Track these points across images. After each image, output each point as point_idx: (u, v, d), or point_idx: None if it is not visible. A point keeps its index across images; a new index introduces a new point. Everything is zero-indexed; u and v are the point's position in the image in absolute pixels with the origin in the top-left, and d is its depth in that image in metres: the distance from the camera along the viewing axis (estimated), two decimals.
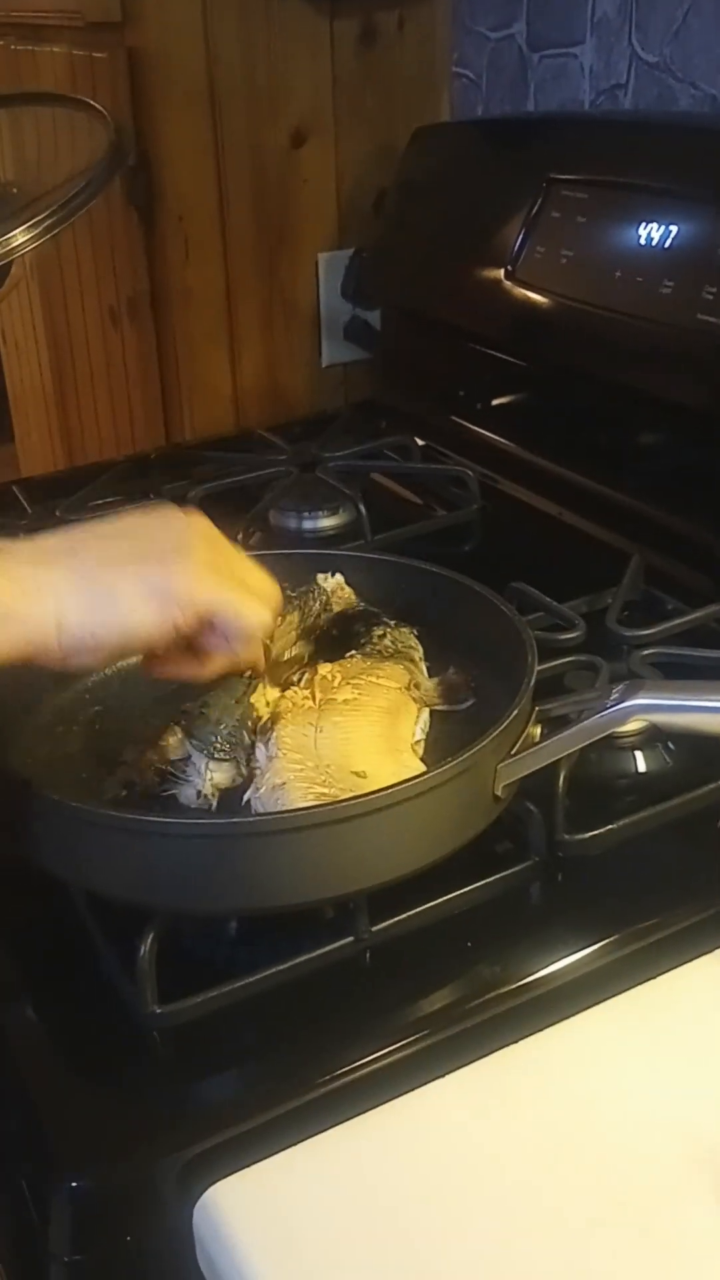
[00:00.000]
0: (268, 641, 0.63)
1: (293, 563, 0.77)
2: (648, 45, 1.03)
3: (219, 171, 1.22)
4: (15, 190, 1.27)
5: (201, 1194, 0.49)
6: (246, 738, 0.62)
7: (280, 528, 1.01)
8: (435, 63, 1.27)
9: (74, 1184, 0.49)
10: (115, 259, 1.28)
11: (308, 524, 1.01)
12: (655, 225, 0.89)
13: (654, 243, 0.89)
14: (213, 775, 0.61)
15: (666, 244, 0.88)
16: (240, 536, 0.97)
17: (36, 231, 0.93)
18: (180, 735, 0.62)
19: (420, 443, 1.13)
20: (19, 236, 0.93)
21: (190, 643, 0.58)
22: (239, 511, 0.99)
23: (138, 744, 0.64)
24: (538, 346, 1.03)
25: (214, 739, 0.61)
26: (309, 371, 1.34)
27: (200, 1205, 0.49)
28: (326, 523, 1.00)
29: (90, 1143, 0.51)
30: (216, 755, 0.61)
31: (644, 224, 0.90)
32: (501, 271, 1.04)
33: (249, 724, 0.63)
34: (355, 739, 0.60)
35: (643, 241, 0.90)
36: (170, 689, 0.65)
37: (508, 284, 1.03)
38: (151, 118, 1.19)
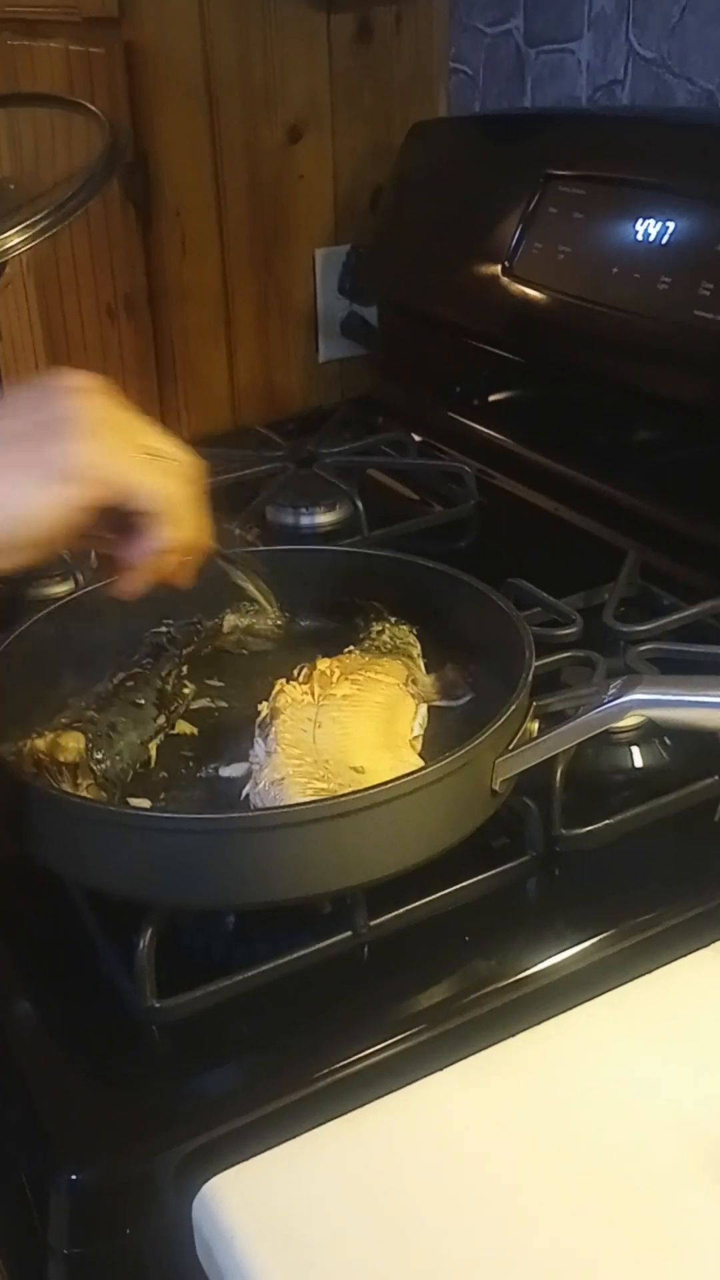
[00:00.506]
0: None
1: (290, 559, 0.78)
2: (645, 41, 1.03)
3: (216, 167, 1.22)
4: (13, 186, 1.27)
5: (200, 1187, 0.49)
6: (127, 775, 0.62)
7: (277, 524, 1.01)
8: (432, 58, 1.27)
9: (73, 1177, 0.49)
10: (113, 255, 1.28)
11: (305, 520, 1.01)
12: (652, 221, 0.89)
13: (651, 239, 0.89)
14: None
15: (664, 240, 0.88)
16: (238, 532, 0.97)
17: (31, 233, 0.93)
18: (81, 743, 0.61)
19: (417, 439, 1.13)
20: (13, 238, 0.93)
21: (112, 524, 0.52)
22: (236, 508, 0.99)
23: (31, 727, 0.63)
24: (535, 343, 1.03)
25: (103, 765, 0.61)
26: (305, 368, 1.34)
27: (199, 1198, 0.49)
28: (323, 519, 1.00)
29: (89, 1137, 0.51)
30: (96, 780, 0.60)
31: (641, 220, 0.90)
32: (499, 268, 1.04)
33: (137, 767, 0.63)
34: (353, 734, 0.60)
35: (640, 237, 0.90)
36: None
37: (505, 280, 1.03)
38: (148, 113, 1.19)
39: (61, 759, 0.60)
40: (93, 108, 1.03)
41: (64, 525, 0.49)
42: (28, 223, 0.92)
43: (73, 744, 0.61)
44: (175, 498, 0.52)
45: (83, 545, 0.57)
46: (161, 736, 0.66)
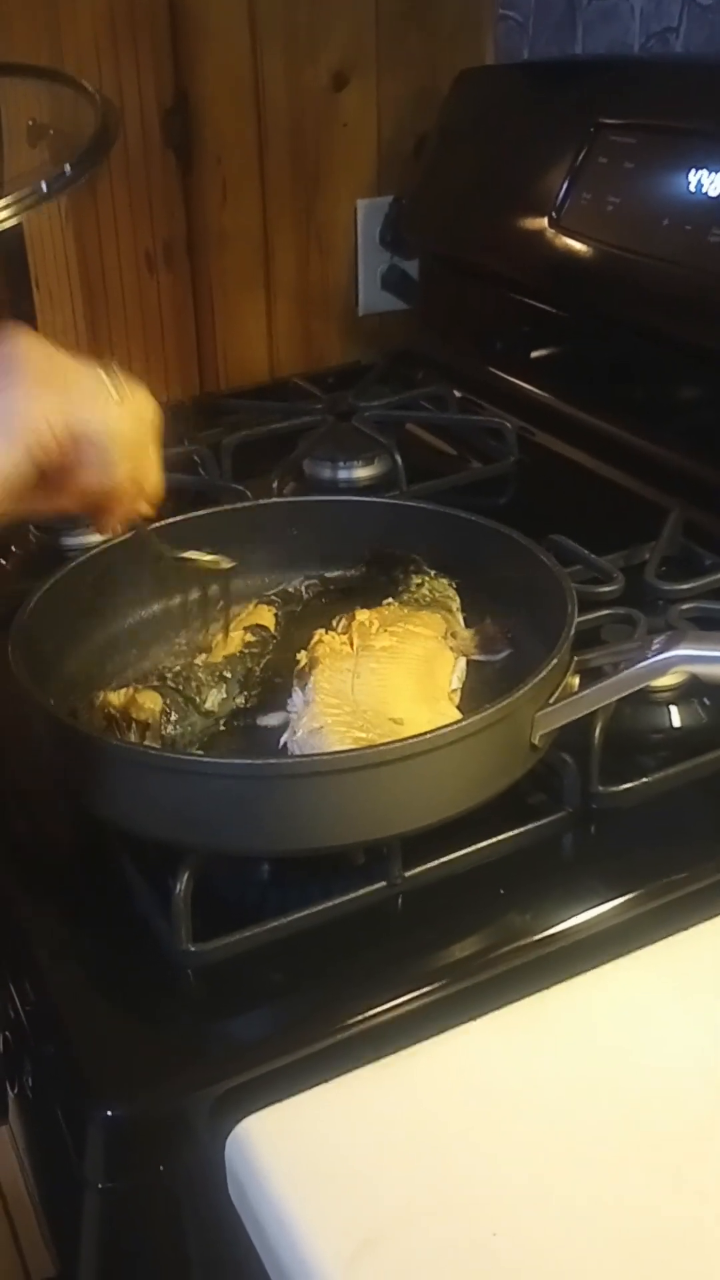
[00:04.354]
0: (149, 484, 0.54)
1: (330, 510, 0.77)
2: None
3: (259, 112, 1.20)
4: (51, 132, 1.25)
5: (233, 1127, 0.49)
6: (194, 745, 0.61)
7: (314, 477, 1.00)
8: (480, 4, 1.25)
9: (109, 1113, 0.50)
10: (152, 202, 1.27)
11: (342, 474, 1.00)
12: (705, 172, 0.87)
13: (704, 190, 0.87)
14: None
15: (717, 191, 0.86)
16: (275, 485, 0.96)
17: (10, 211, 0.90)
18: (159, 704, 0.61)
19: (457, 394, 1.12)
20: None
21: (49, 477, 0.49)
22: (273, 460, 0.99)
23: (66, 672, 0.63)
24: (580, 296, 1.01)
25: (174, 731, 0.61)
26: (345, 320, 1.32)
27: (232, 1138, 0.49)
28: (361, 473, 1.00)
29: (125, 1074, 0.52)
30: (163, 743, 0.60)
31: (694, 170, 0.88)
32: (545, 219, 1.02)
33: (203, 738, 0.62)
34: (392, 685, 0.60)
35: (692, 188, 0.88)
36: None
37: (551, 232, 1.01)
38: (191, 57, 1.17)
39: (135, 716, 0.61)
40: (86, 84, 0.98)
41: (13, 480, 0.47)
42: (10, 198, 0.89)
43: (150, 704, 0.61)
44: (127, 437, 0.50)
45: (24, 513, 0.52)
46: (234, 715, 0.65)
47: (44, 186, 0.89)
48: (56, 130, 1.25)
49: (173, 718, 0.61)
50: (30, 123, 1.32)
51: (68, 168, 0.91)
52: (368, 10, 1.20)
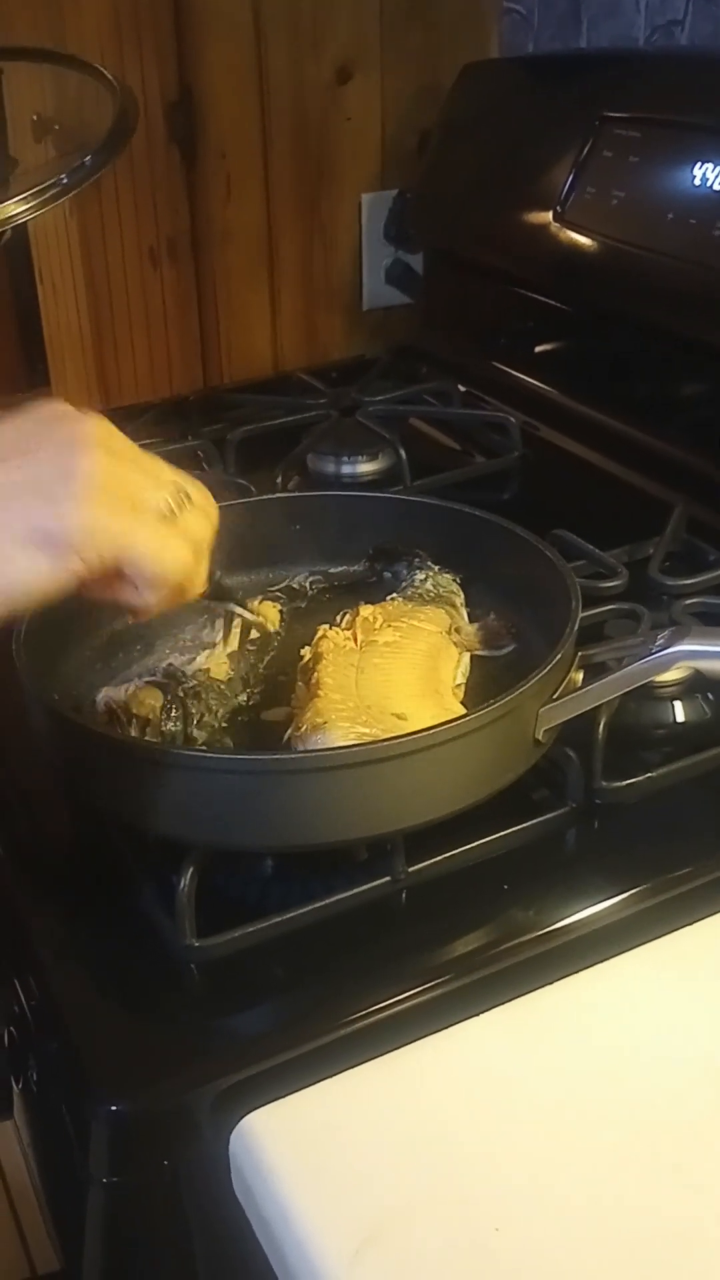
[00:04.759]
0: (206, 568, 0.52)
1: (334, 505, 0.77)
2: None
3: (262, 108, 1.20)
4: (57, 127, 1.25)
5: (237, 1122, 0.49)
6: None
7: (318, 472, 1.00)
8: None
9: (112, 1108, 0.50)
10: (156, 197, 1.27)
11: (346, 469, 1.00)
12: (710, 166, 0.87)
13: (709, 184, 0.86)
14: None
15: None
16: (279, 480, 0.96)
17: (34, 203, 0.88)
18: (159, 700, 0.61)
19: (461, 389, 1.12)
20: (14, 207, 0.88)
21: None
22: (277, 455, 0.99)
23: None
24: (585, 291, 1.01)
25: (172, 729, 0.60)
26: (349, 315, 1.32)
27: (236, 1133, 0.50)
28: (365, 468, 1.00)
29: (129, 1069, 0.52)
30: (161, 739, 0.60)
31: (699, 164, 0.87)
32: (550, 213, 1.02)
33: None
34: (396, 681, 0.60)
35: (697, 182, 0.87)
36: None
37: (555, 226, 1.01)
38: (195, 50, 1.17)
39: (135, 711, 0.60)
40: (104, 71, 0.95)
41: (53, 594, 0.45)
42: (33, 190, 0.88)
43: (150, 700, 0.61)
44: (175, 568, 0.47)
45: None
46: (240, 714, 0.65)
47: (64, 179, 0.88)
48: (62, 125, 1.25)
49: (173, 714, 0.61)
50: (35, 117, 1.32)
51: (88, 159, 0.90)
52: (371, 4, 1.20)
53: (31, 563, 0.44)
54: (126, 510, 0.46)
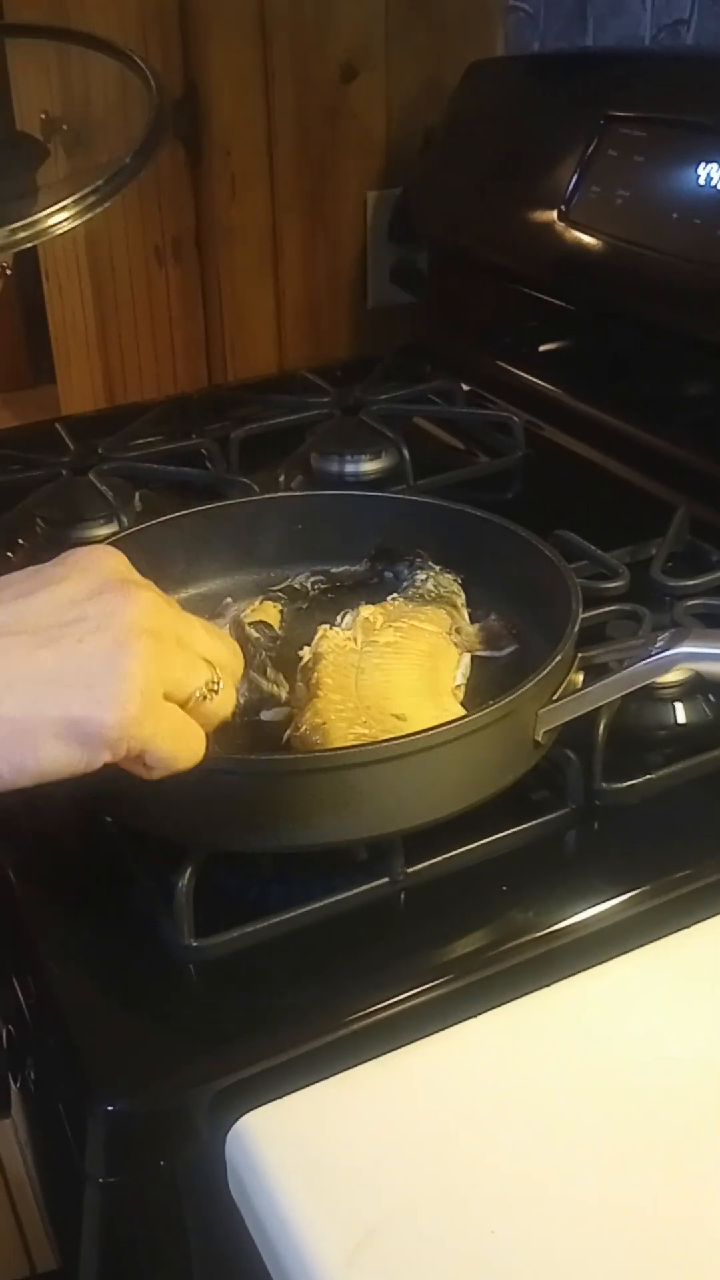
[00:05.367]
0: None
1: (335, 505, 0.77)
2: None
3: (267, 105, 1.20)
4: (65, 127, 1.25)
5: (234, 1123, 0.49)
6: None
7: (321, 471, 1.00)
8: None
9: (109, 1108, 0.50)
10: (161, 196, 1.27)
11: (350, 468, 1.00)
12: (715, 166, 0.87)
13: (714, 184, 0.86)
14: None
15: None
16: (282, 479, 0.96)
17: (76, 210, 0.86)
18: None
19: (465, 388, 1.11)
20: (55, 215, 0.86)
21: None
22: (280, 454, 0.99)
23: None
24: (589, 290, 1.01)
25: None
26: (353, 314, 1.32)
27: (233, 1133, 0.49)
28: (369, 467, 1.00)
29: (126, 1068, 0.52)
30: None
31: (703, 164, 0.87)
32: (554, 212, 1.01)
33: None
34: (396, 681, 0.60)
35: (701, 182, 0.87)
36: None
37: (560, 225, 1.01)
38: (200, 47, 1.17)
39: None
40: (141, 62, 0.93)
41: (60, 778, 0.45)
42: (72, 199, 0.85)
43: None
44: (190, 760, 0.48)
45: None
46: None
47: (101, 183, 0.86)
48: (70, 125, 1.25)
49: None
50: (43, 115, 1.32)
51: (128, 159, 0.88)
52: (376, 2, 1.20)
53: (62, 751, 0.43)
54: (161, 707, 0.45)
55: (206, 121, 1.20)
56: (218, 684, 0.48)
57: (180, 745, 0.47)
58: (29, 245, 0.83)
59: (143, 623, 0.45)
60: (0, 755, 0.43)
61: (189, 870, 0.54)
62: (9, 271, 0.91)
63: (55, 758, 0.44)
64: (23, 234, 0.82)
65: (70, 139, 1.23)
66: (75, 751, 0.44)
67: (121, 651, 0.44)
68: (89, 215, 0.84)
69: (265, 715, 0.64)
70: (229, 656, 0.51)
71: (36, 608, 0.45)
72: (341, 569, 0.75)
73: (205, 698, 0.48)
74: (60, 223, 0.84)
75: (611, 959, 0.56)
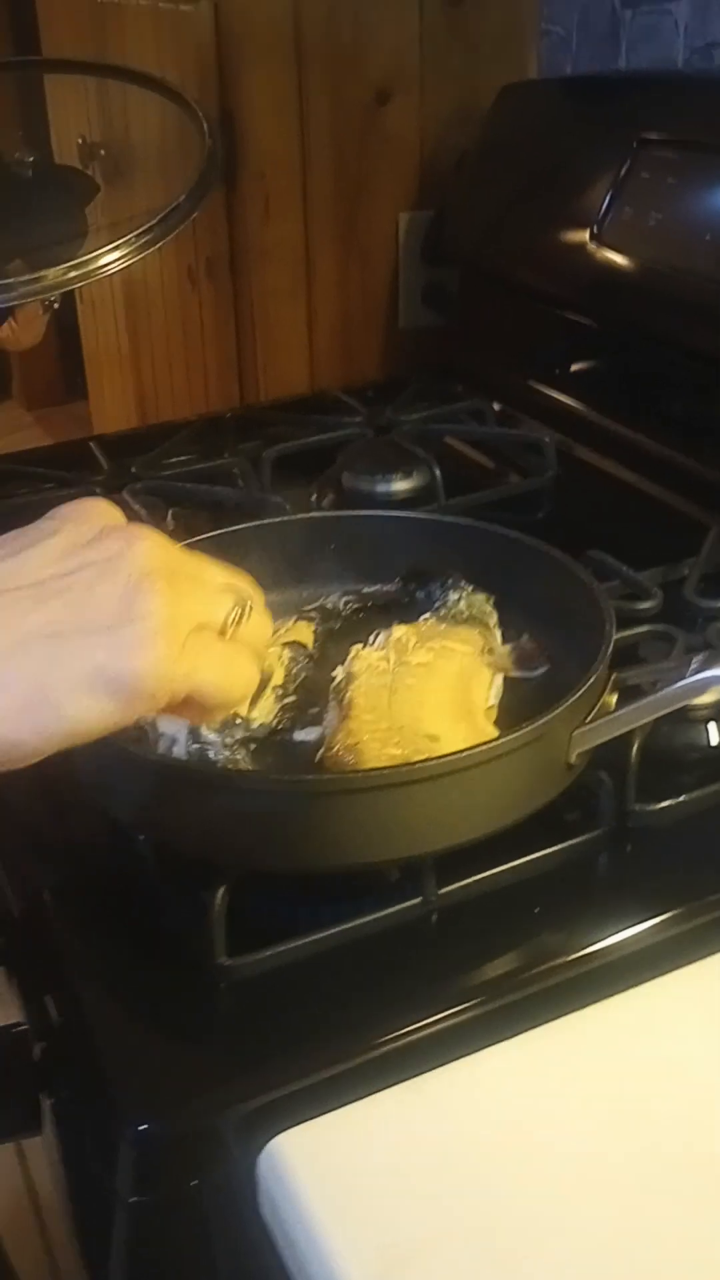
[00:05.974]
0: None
1: (368, 525, 0.77)
2: None
3: (302, 129, 1.21)
4: (103, 153, 1.26)
5: (265, 1143, 0.49)
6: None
7: (353, 490, 1.01)
8: (523, 19, 1.25)
9: (140, 1128, 0.50)
10: (195, 218, 1.28)
11: (381, 487, 1.00)
12: None
13: None
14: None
15: None
16: (314, 498, 0.97)
17: (127, 250, 0.84)
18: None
19: (496, 408, 1.12)
20: (107, 254, 0.84)
21: None
22: (312, 473, 0.99)
23: None
24: (621, 311, 1.01)
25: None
26: (385, 334, 1.33)
27: (264, 1154, 0.49)
28: (400, 486, 1.00)
29: (157, 1088, 0.52)
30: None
31: None
32: (586, 233, 1.02)
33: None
34: (428, 702, 0.60)
35: None
36: None
37: (592, 246, 1.01)
38: (235, 71, 1.18)
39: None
40: (192, 102, 0.92)
41: (119, 729, 0.41)
42: (126, 239, 0.83)
43: None
44: (243, 688, 0.44)
45: None
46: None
47: (155, 223, 0.84)
48: (107, 151, 1.26)
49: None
50: (80, 140, 1.33)
51: (182, 198, 0.87)
52: (411, 26, 1.21)
53: (92, 706, 0.39)
54: (193, 642, 0.41)
55: (242, 144, 1.21)
56: (247, 606, 0.45)
57: (228, 674, 0.43)
58: (80, 285, 0.83)
59: (152, 560, 0.41)
60: (23, 720, 0.38)
61: (222, 889, 0.54)
62: (56, 306, 0.91)
63: (83, 715, 0.39)
64: (74, 274, 0.82)
65: (109, 165, 1.24)
66: (106, 704, 0.39)
67: (138, 591, 0.40)
68: (141, 256, 0.84)
69: (298, 735, 0.64)
70: (247, 583, 0.47)
71: (35, 562, 0.41)
72: (374, 589, 0.76)
73: (238, 621, 0.44)
74: (112, 263, 0.83)
75: (645, 982, 0.56)
